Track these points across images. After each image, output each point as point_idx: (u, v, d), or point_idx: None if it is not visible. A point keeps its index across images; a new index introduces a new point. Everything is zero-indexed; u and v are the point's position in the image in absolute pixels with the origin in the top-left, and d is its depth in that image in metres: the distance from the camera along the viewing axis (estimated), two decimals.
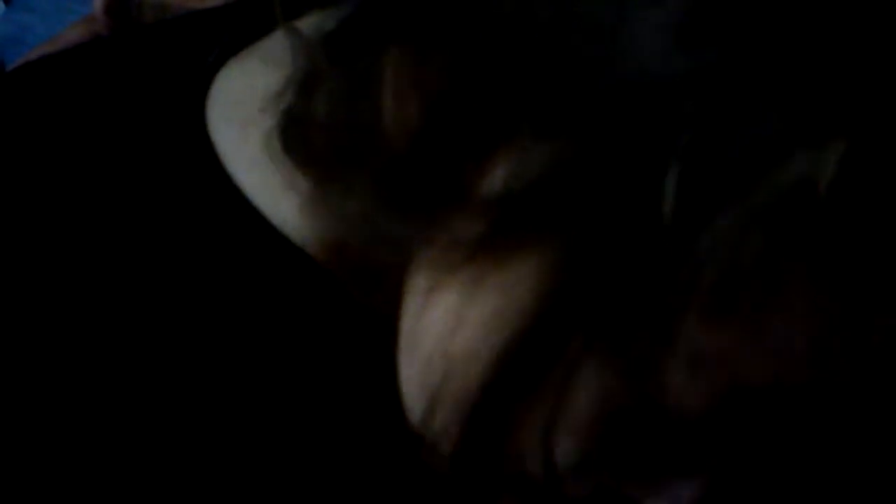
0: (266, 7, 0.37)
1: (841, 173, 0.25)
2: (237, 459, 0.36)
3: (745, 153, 0.26)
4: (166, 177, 0.39)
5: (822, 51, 0.25)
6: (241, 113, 0.39)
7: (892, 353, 0.26)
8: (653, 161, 0.26)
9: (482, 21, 0.29)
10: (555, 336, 0.29)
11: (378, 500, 0.37)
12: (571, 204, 0.28)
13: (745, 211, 0.26)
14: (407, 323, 0.33)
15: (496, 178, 0.29)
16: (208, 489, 0.35)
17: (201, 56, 0.42)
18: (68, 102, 0.42)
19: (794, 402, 0.27)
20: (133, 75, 0.43)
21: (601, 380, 0.28)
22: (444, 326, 0.31)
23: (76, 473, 0.35)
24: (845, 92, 0.25)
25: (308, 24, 0.37)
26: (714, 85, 0.26)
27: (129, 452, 0.35)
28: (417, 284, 0.32)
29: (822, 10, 0.25)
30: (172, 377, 0.36)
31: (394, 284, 0.33)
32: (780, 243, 0.26)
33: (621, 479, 0.31)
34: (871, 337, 0.26)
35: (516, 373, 0.30)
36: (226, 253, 0.38)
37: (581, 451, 0.29)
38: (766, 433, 0.28)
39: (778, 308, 0.26)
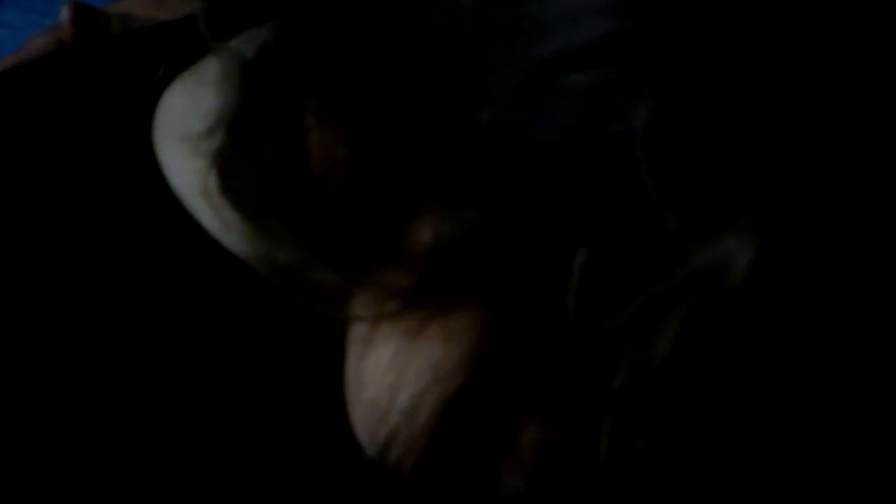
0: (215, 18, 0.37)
1: (754, 267, 0.25)
2: (197, 467, 0.36)
3: (652, 238, 0.26)
4: (113, 191, 0.39)
5: (736, 136, 0.26)
6: (184, 134, 0.38)
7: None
8: (562, 236, 0.27)
9: (391, 79, 0.29)
10: (493, 389, 0.29)
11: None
12: (492, 265, 0.28)
13: (657, 295, 0.26)
14: (350, 366, 0.34)
15: (423, 234, 0.30)
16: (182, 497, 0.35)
17: (152, 70, 0.42)
18: (25, 114, 0.42)
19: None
20: (91, 87, 0.43)
21: (541, 429, 0.29)
22: (385, 376, 0.32)
23: (54, 476, 0.35)
24: (755, 185, 0.25)
25: (245, 42, 0.36)
26: (627, 160, 0.26)
27: (105, 456, 0.35)
28: (356, 330, 0.33)
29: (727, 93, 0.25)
30: (120, 395, 0.36)
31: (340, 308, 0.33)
32: (695, 329, 0.26)
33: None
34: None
35: (459, 424, 0.30)
36: (171, 266, 0.38)
37: (524, 485, 0.30)
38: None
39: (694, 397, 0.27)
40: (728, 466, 0.28)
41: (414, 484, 0.32)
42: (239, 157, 0.34)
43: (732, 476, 0.28)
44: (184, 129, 0.38)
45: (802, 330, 0.26)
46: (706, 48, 0.25)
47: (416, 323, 0.30)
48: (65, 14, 0.57)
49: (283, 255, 0.33)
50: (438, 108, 0.28)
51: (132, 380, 0.36)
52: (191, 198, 0.38)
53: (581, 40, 0.26)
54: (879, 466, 0.28)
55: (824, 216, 0.25)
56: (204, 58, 0.41)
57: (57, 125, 0.41)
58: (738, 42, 0.25)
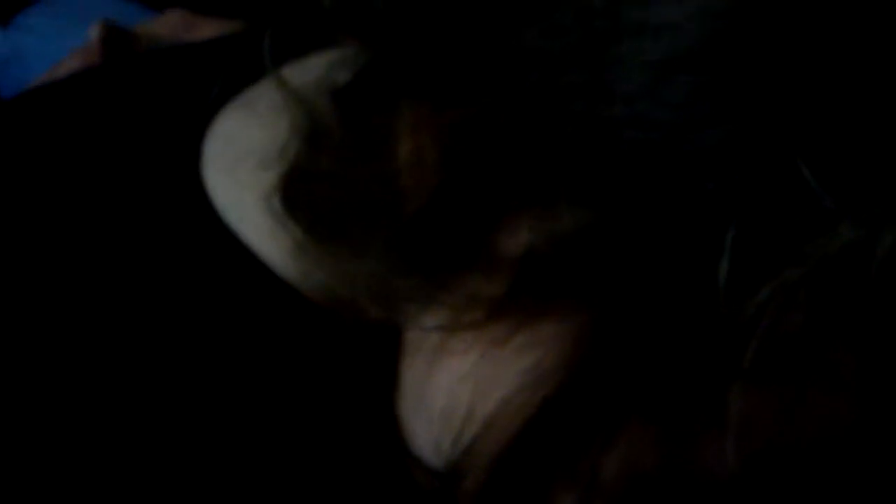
0: (260, 43, 0.38)
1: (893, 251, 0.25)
2: (227, 473, 0.36)
3: (791, 223, 0.26)
4: (159, 211, 0.39)
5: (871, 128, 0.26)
6: (235, 159, 0.39)
7: None
8: (695, 230, 0.26)
9: (503, 78, 0.29)
10: (587, 401, 0.28)
11: None
12: (601, 268, 0.27)
13: (790, 280, 0.26)
14: (413, 378, 0.33)
15: (519, 239, 0.29)
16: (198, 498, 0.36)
17: (196, 89, 0.42)
18: (64, 133, 0.43)
19: (831, 465, 0.27)
20: (128, 107, 0.44)
21: (633, 445, 0.28)
22: (462, 386, 0.31)
23: (55, 476, 0.35)
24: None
25: (304, 70, 0.36)
26: (758, 154, 0.26)
27: (116, 457, 0.35)
28: (425, 341, 0.32)
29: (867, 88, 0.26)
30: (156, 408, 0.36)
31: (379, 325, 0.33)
32: (825, 313, 0.26)
33: None
34: None
35: (548, 436, 0.29)
36: (216, 287, 0.38)
37: None
38: (798, 497, 0.28)
39: (820, 377, 0.26)
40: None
41: (483, 499, 0.31)
42: (315, 164, 0.33)
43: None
44: (242, 154, 0.38)
45: None
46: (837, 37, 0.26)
47: (502, 332, 0.29)
48: (94, 32, 0.58)
49: (360, 265, 0.32)
50: (555, 106, 0.28)
51: (174, 396, 0.36)
52: (243, 221, 0.38)
53: (706, 37, 0.26)
54: None
55: None
56: (252, 83, 0.41)
57: (88, 142, 0.42)
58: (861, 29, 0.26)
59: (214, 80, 0.41)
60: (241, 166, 0.38)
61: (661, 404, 0.28)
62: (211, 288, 0.38)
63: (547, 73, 0.28)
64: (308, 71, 0.36)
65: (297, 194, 0.34)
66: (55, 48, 0.81)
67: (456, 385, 0.31)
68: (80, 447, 0.35)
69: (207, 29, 0.64)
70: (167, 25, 0.65)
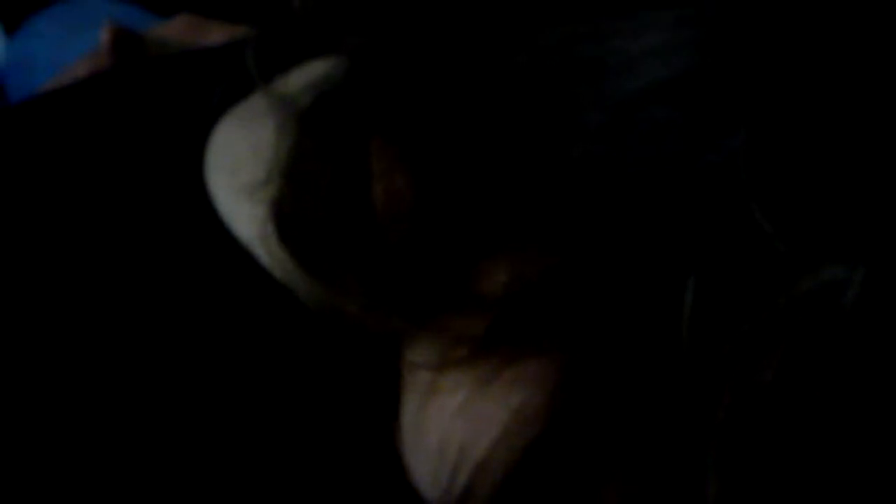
0: (266, 49, 0.37)
1: (865, 291, 0.25)
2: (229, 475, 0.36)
3: (762, 265, 0.26)
4: (167, 216, 0.39)
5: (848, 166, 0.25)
6: (232, 169, 0.39)
7: None
8: (665, 272, 0.26)
9: (470, 120, 0.29)
10: (576, 437, 0.29)
11: None
12: (573, 311, 0.28)
13: (764, 321, 0.26)
14: (409, 413, 0.33)
15: (495, 280, 0.29)
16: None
17: (203, 95, 0.43)
18: (73, 138, 0.43)
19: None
20: (136, 112, 0.44)
21: (623, 482, 0.28)
22: (453, 423, 0.31)
23: (59, 476, 0.35)
24: (860, 212, 0.25)
25: (298, 79, 0.36)
26: (726, 196, 0.26)
27: (116, 457, 0.35)
28: (418, 379, 0.32)
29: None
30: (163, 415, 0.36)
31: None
32: (798, 358, 0.26)
33: None
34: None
35: (539, 475, 0.29)
36: (219, 293, 0.38)
37: None
38: None
39: (797, 424, 0.26)
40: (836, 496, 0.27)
41: None
42: (298, 205, 0.33)
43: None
44: (237, 170, 0.38)
45: None
46: (796, 77, 0.26)
47: (489, 369, 0.30)
48: (104, 37, 0.59)
49: (343, 302, 0.32)
50: (522, 148, 0.28)
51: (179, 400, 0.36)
52: (243, 231, 0.38)
53: (671, 73, 0.26)
54: None
55: None
56: (252, 92, 0.41)
57: (97, 147, 0.42)
58: (828, 75, 0.26)
59: (221, 86, 0.42)
60: (237, 178, 0.38)
61: (644, 443, 0.28)
62: (214, 293, 0.38)
63: (507, 114, 0.28)
64: (293, 85, 0.36)
65: (284, 230, 0.34)
66: (63, 53, 0.82)
67: (448, 422, 0.31)
68: (79, 447, 0.35)
69: (216, 34, 0.64)
70: (176, 30, 0.65)
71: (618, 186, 0.27)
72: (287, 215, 0.33)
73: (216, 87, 0.42)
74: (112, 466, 0.35)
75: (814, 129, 0.26)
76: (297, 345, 0.37)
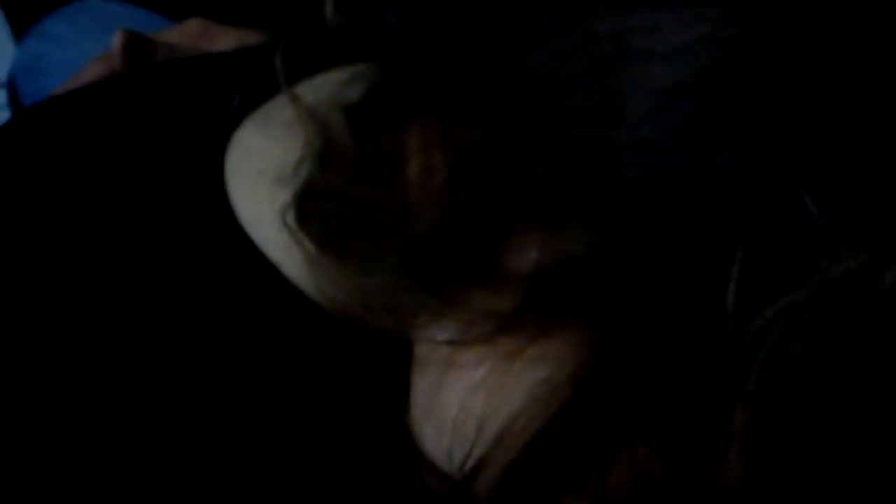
0: (293, 52, 0.38)
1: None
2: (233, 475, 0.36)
3: (795, 248, 0.26)
4: (180, 220, 0.40)
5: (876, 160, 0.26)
6: (254, 172, 0.39)
7: None
8: (701, 252, 0.27)
9: (510, 99, 0.29)
10: (595, 416, 0.29)
11: None
12: (608, 287, 0.28)
13: (793, 304, 0.26)
14: (424, 387, 0.34)
15: (528, 255, 0.29)
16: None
17: (217, 100, 0.43)
18: (87, 140, 0.43)
19: (831, 477, 0.28)
20: (150, 116, 0.44)
21: (640, 458, 0.29)
22: (475, 396, 0.31)
23: (59, 476, 0.35)
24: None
25: (317, 87, 0.37)
26: (762, 179, 0.26)
27: (119, 457, 0.36)
28: (435, 351, 0.33)
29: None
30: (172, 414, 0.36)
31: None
32: (827, 338, 0.26)
33: None
34: None
35: (557, 449, 0.30)
36: (235, 295, 0.38)
37: None
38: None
39: (821, 398, 0.27)
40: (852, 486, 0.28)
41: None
42: (327, 183, 0.33)
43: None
44: (262, 163, 0.38)
45: None
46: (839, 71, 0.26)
47: (514, 345, 0.30)
48: (116, 40, 0.59)
49: (370, 281, 0.32)
50: (561, 129, 0.28)
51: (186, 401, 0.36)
52: (262, 233, 0.38)
53: (711, 65, 0.27)
54: None
55: None
56: (272, 96, 0.41)
57: (110, 150, 0.42)
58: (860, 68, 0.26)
59: (236, 91, 0.42)
60: (259, 180, 0.38)
61: (667, 419, 0.28)
62: (230, 296, 0.38)
63: (553, 96, 0.28)
64: (321, 87, 0.37)
65: (310, 211, 0.34)
66: (75, 56, 0.82)
67: (467, 396, 0.32)
68: (83, 447, 0.35)
69: (226, 39, 0.65)
70: (186, 34, 0.66)
71: (655, 169, 0.27)
72: (316, 192, 0.34)
73: (234, 91, 0.42)
74: (116, 464, 0.35)
75: (855, 118, 0.26)
76: (307, 344, 0.37)
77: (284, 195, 0.35)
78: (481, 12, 0.30)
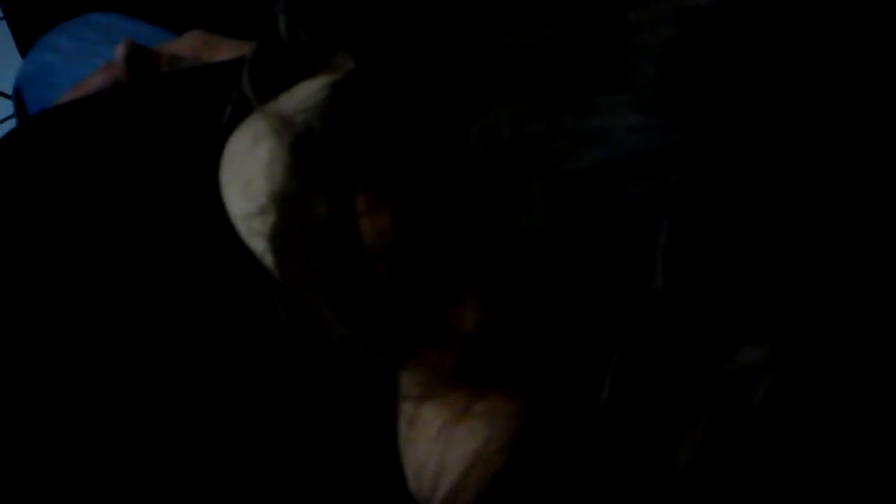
0: (276, 63, 0.39)
1: (775, 387, 0.26)
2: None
3: (679, 344, 0.27)
4: (178, 228, 0.40)
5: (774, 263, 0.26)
6: (247, 185, 0.40)
7: None
8: (591, 335, 0.27)
9: (434, 174, 0.29)
10: (538, 468, 0.30)
11: None
12: (523, 358, 0.29)
13: (676, 404, 0.27)
14: (402, 428, 0.35)
15: (466, 320, 0.30)
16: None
17: (216, 109, 0.43)
18: (90, 148, 0.44)
19: None
20: (150, 125, 0.45)
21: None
22: (433, 447, 0.33)
23: (59, 476, 0.36)
24: (777, 304, 0.26)
25: (296, 96, 0.37)
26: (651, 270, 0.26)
27: (117, 457, 0.36)
28: (405, 404, 0.34)
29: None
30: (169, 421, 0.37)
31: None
32: (710, 441, 0.27)
33: None
34: None
35: (507, 496, 0.31)
36: (230, 299, 0.38)
37: None
38: None
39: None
40: None
41: None
42: (290, 237, 0.34)
43: None
44: (248, 187, 0.39)
45: (819, 448, 0.27)
46: (732, 171, 0.26)
47: (463, 402, 0.31)
48: (119, 51, 0.60)
49: (330, 331, 0.33)
50: (477, 210, 0.28)
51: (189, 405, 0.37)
52: (252, 244, 0.38)
53: (613, 156, 0.26)
54: None
55: (845, 340, 0.26)
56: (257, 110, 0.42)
57: (113, 158, 0.43)
58: (766, 169, 0.26)
59: (231, 101, 0.43)
60: (248, 194, 0.39)
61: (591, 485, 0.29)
62: (228, 299, 0.38)
63: (463, 178, 0.29)
64: (299, 97, 0.37)
65: (279, 259, 0.35)
66: (80, 68, 0.83)
67: (426, 447, 0.33)
68: (80, 447, 0.36)
69: (226, 50, 0.65)
70: (188, 46, 0.66)
71: (558, 255, 0.27)
72: (282, 245, 0.34)
73: (227, 102, 0.43)
74: (113, 465, 0.36)
75: (737, 220, 0.26)
76: (308, 356, 0.38)
77: (264, 222, 0.35)
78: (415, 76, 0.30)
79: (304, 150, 0.33)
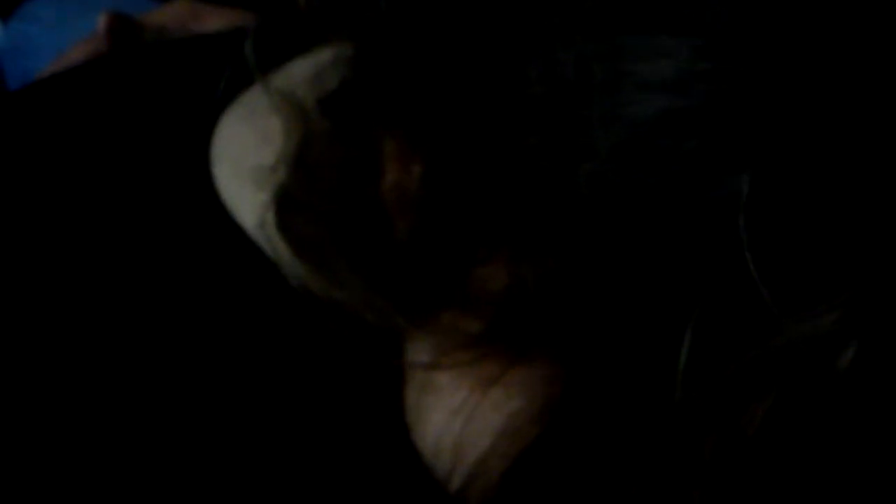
0: (268, 37, 0.37)
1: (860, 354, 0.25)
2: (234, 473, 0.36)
3: (750, 307, 0.26)
4: (166, 206, 0.39)
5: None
6: (237, 160, 0.39)
7: None
8: (652, 297, 0.27)
9: (482, 122, 0.28)
10: (570, 445, 0.29)
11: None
12: (571, 320, 0.28)
13: (752, 365, 0.26)
14: (409, 404, 0.34)
15: (497, 279, 0.29)
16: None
17: (205, 82, 0.42)
18: (73, 122, 0.43)
19: None
20: (136, 99, 0.44)
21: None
22: (453, 422, 0.31)
23: (59, 476, 0.35)
24: (853, 264, 0.25)
25: (294, 72, 0.36)
26: (724, 228, 0.26)
27: (117, 457, 0.35)
28: (416, 374, 0.33)
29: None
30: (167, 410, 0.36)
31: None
32: (789, 404, 0.26)
33: None
34: None
35: (532, 476, 0.30)
36: (223, 284, 0.38)
37: None
38: None
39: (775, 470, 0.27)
40: None
41: None
42: (302, 193, 0.32)
43: None
44: (243, 158, 0.38)
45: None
46: (811, 123, 0.25)
47: (489, 372, 0.30)
48: (101, 22, 0.59)
49: (342, 295, 0.32)
50: (531, 157, 0.27)
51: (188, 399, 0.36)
52: (244, 221, 0.38)
53: (683, 105, 0.26)
54: None
55: None
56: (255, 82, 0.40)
57: (95, 134, 0.42)
58: (839, 123, 0.25)
59: (222, 74, 0.41)
60: (239, 168, 0.38)
61: (634, 455, 0.28)
62: (217, 283, 0.38)
63: (517, 122, 0.28)
64: (298, 73, 0.36)
65: (286, 219, 0.34)
66: (61, 38, 0.82)
67: (445, 421, 0.32)
68: (79, 447, 0.35)
69: (214, 19, 0.64)
70: (173, 15, 0.65)
71: (620, 208, 0.27)
72: (291, 203, 0.33)
73: (220, 74, 0.41)
74: (113, 464, 0.35)
75: (816, 181, 0.25)
76: (299, 333, 0.37)
77: (262, 197, 0.34)
78: (460, 25, 0.29)
79: (327, 109, 0.32)
